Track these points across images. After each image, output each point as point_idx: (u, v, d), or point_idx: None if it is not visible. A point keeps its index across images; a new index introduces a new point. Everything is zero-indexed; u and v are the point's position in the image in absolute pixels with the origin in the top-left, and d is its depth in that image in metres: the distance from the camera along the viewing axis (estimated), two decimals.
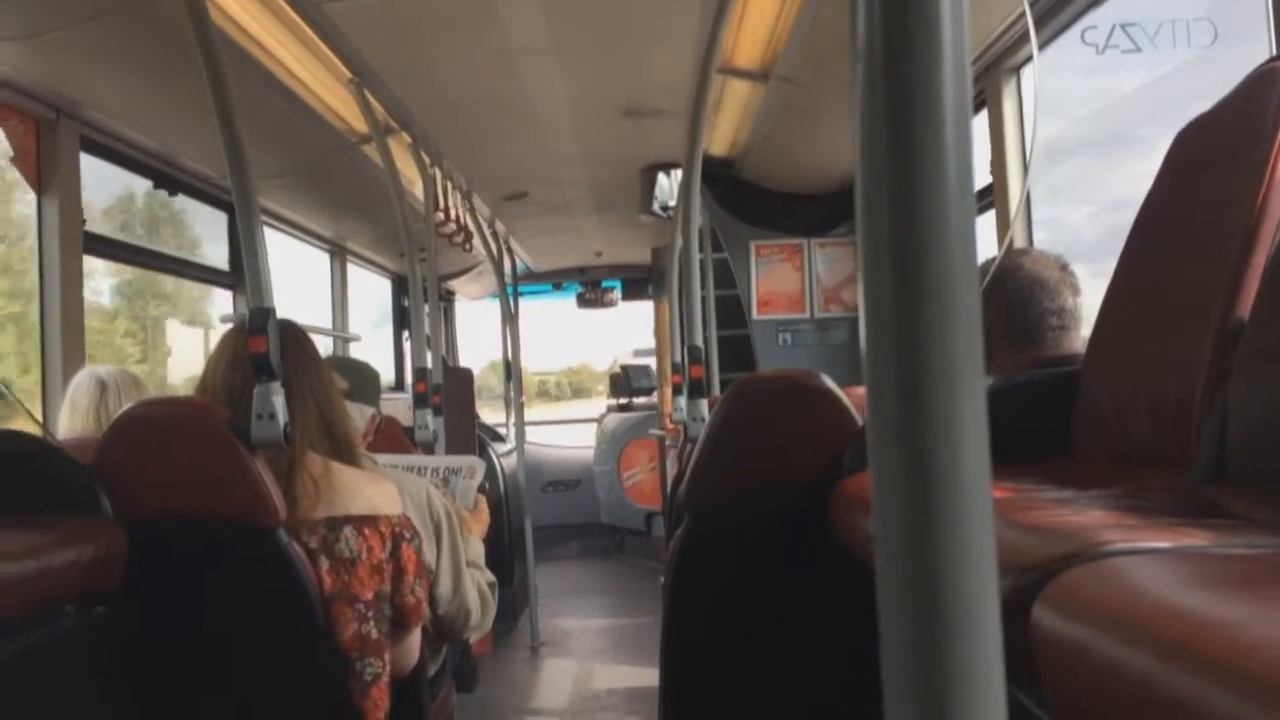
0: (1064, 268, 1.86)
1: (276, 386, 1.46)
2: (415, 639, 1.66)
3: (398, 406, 3.84)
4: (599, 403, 9.53)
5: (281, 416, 1.45)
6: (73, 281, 2.53)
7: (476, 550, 2.06)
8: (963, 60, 0.30)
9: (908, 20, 0.30)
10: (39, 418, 2.27)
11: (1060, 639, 0.66)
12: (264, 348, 1.45)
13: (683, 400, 2.18)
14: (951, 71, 0.30)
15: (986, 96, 2.75)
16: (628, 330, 8.72)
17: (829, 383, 1.57)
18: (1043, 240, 2.65)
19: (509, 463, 5.00)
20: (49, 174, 2.49)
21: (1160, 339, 1.32)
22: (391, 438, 2.65)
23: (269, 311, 1.47)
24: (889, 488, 0.31)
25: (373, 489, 1.58)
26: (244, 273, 1.53)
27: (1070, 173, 2.76)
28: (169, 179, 3.13)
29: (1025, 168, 2.62)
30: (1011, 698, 0.78)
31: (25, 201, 2.52)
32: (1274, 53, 1.52)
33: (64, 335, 2.49)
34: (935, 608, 0.29)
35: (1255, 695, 0.46)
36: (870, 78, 0.30)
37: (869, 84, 0.30)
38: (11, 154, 2.43)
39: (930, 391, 0.30)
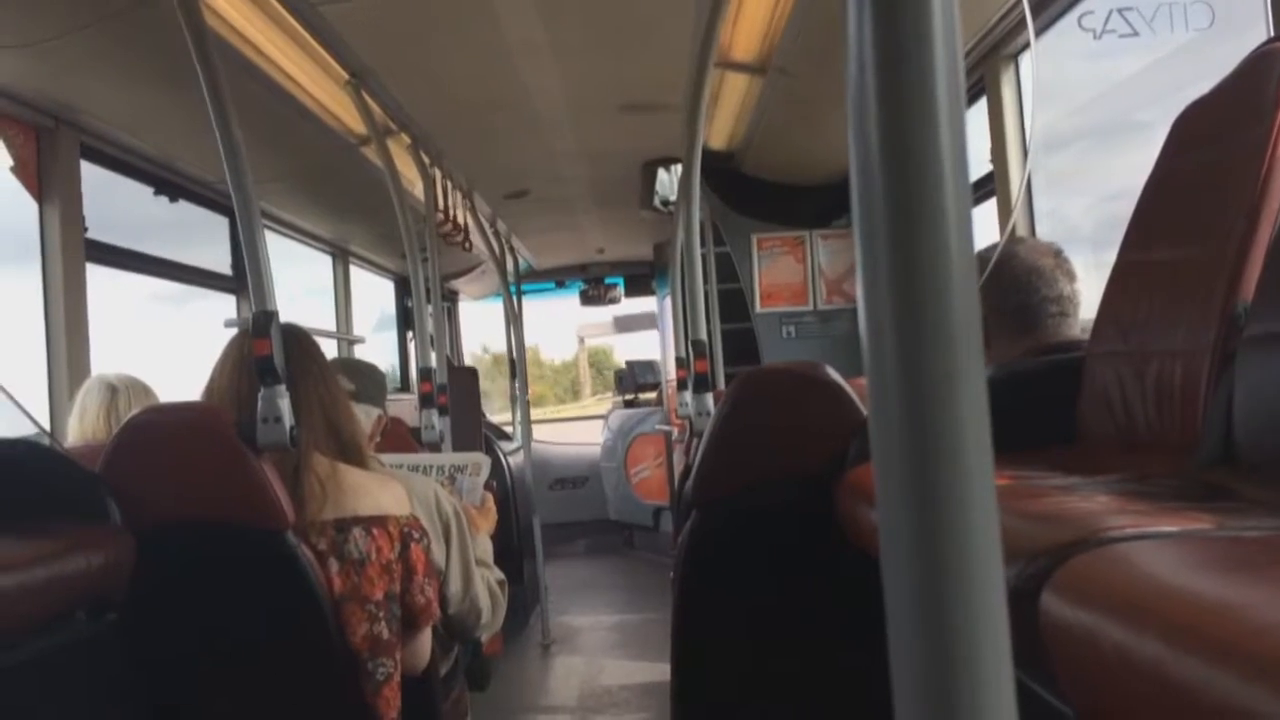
0: (1058, 254, 1.86)
1: (281, 390, 1.46)
2: (426, 639, 1.66)
3: (404, 407, 3.84)
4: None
5: (287, 419, 1.45)
6: (75, 289, 2.54)
7: (485, 548, 2.06)
8: (954, 43, 0.30)
9: (897, 4, 0.29)
10: (45, 425, 2.27)
11: (1070, 625, 0.66)
12: (268, 350, 1.45)
13: (688, 395, 2.18)
14: (944, 56, 0.29)
15: (985, 84, 2.74)
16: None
17: (833, 374, 1.57)
18: (1045, 233, 2.62)
19: (516, 461, 5.00)
20: (49, 183, 2.50)
21: (1164, 323, 1.32)
22: (397, 438, 2.65)
23: (272, 314, 1.47)
24: (892, 479, 0.31)
25: (380, 490, 1.58)
26: (246, 277, 1.53)
27: (1068, 161, 2.75)
28: (169, 184, 3.13)
29: (1025, 155, 2.62)
30: (1022, 685, 0.78)
31: None
32: (1272, 34, 1.51)
33: (68, 343, 2.49)
34: (941, 597, 0.29)
35: (1266, 677, 0.46)
36: (860, 65, 0.30)
37: (859, 72, 0.30)
38: (12, 163, 2.43)
39: (931, 382, 0.30)
